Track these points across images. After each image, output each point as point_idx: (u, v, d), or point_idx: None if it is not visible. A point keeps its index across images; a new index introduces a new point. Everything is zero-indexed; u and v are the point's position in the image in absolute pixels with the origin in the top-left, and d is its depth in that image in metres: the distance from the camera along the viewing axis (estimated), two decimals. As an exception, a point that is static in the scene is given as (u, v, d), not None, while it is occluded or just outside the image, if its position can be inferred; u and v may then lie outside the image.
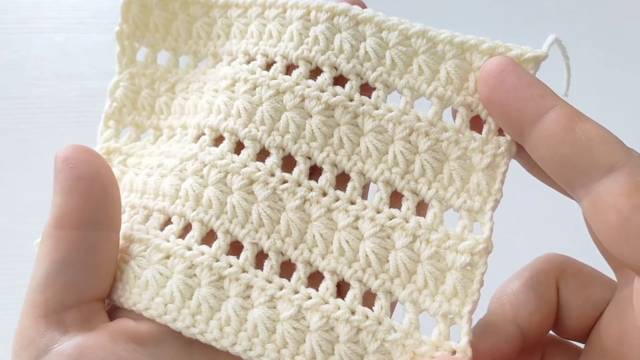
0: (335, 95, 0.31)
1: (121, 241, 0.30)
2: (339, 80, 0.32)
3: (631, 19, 0.74)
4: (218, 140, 0.32)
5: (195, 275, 0.30)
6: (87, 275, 0.28)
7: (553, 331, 0.32)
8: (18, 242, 0.57)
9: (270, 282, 0.30)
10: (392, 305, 0.30)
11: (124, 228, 0.31)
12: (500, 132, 0.30)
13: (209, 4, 0.35)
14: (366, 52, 0.31)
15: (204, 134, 0.32)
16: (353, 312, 0.29)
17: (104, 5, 0.73)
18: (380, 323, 0.29)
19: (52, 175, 0.30)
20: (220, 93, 0.32)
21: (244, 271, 0.30)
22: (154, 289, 0.29)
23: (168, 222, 0.32)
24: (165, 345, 0.28)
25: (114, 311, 0.30)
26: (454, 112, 0.31)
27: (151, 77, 0.36)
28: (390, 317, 0.29)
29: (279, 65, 0.32)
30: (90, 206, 0.28)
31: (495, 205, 0.30)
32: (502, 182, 0.30)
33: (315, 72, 0.32)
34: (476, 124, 0.30)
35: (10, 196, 0.61)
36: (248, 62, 0.33)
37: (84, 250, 0.28)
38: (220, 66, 0.34)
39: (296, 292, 0.29)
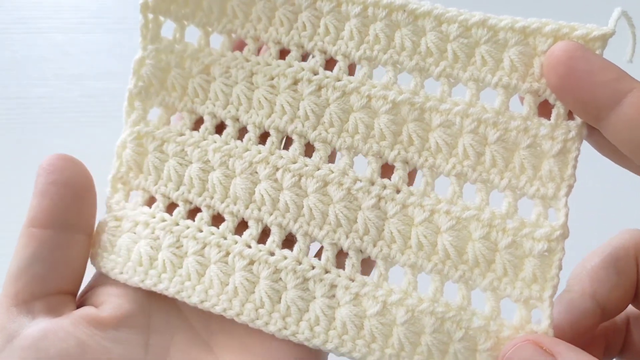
0: (400, 93, 0.31)
1: (191, 242, 0.32)
2: (403, 77, 0.32)
3: None
4: (287, 142, 0.33)
5: (280, 279, 0.31)
6: (54, 270, 0.30)
7: (633, 305, 0.32)
8: (18, 243, 0.57)
9: (353, 280, 0.31)
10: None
11: (187, 226, 0.33)
12: (570, 115, 0.29)
13: None
14: (427, 47, 0.31)
15: (269, 135, 0.33)
16: (436, 304, 0.30)
17: (105, 5, 0.73)
18: (463, 312, 0.30)
19: None
20: (282, 92, 0.33)
21: (326, 272, 0.31)
22: (243, 295, 0.31)
23: (241, 225, 0.33)
24: (124, 330, 0.30)
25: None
26: (521, 99, 0.30)
27: (180, 55, 0.34)
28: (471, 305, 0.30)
29: (342, 65, 0.32)
30: (60, 209, 0.31)
31: (569, 191, 0.29)
32: (575, 167, 0.29)
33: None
34: (544, 109, 0.30)
35: (10, 196, 0.61)
36: (304, 57, 0.33)
37: (51, 248, 0.30)
38: (267, 56, 0.34)
39: (379, 289, 0.31)
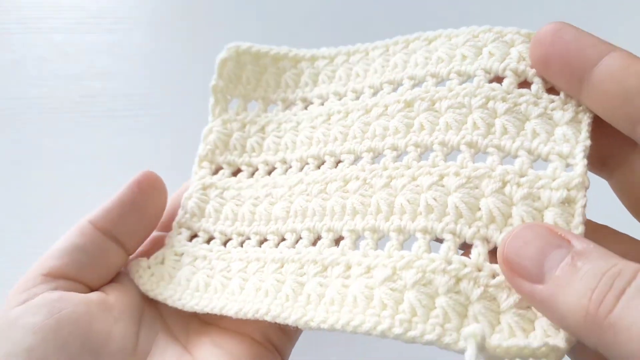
0: (411, 91, 0.34)
1: (237, 263, 0.36)
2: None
3: None
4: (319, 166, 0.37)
5: (304, 273, 0.33)
6: (90, 265, 0.34)
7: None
8: (19, 242, 0.57)
9: (367, 257, 0.31)
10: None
11: (247, 252, 0.36)
12: None
13: (297, 58, 0.41)
14: (438, 57, 0.35)
15: (307, 164, 0.37)
16: (449, 263, 0.28)
17: (104, 5, 0.73)
18: (480, 270, 0.28)
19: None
20: (318, 127, 0.38)
21: (343, 253, 0.32)
22: (272, 295, 0.33)
23: (281, 240, 0.36)
24: (124, 317, 0.34)
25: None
26: (529, 84, 0.31)
27: (242, 122, 0.41)
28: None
29: (368, 93, 0.37)
30: (121, 226, 0.35)
31: (586, 152, 0.28)
32: (589, 132, 0.29)
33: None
34: (552, 93, 0.30)
35: (10, 196, 0.61)
36: (340, 99, 0.39)
37: (98, 248, 0.35)
38: (312, 107, 0.39)
39: (390, 257, 0.30)
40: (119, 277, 0.37)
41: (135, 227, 0.36)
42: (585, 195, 0.28)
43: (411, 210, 0.30)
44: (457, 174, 0.30)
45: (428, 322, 0.27)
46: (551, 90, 0.31)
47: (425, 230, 0.30)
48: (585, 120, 0.29)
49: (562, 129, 0.29)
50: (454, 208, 0.29)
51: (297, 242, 0.35)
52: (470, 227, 0.29)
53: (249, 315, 0.32)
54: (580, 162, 0.28)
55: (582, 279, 0.22)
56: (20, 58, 0.70)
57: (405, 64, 0.36)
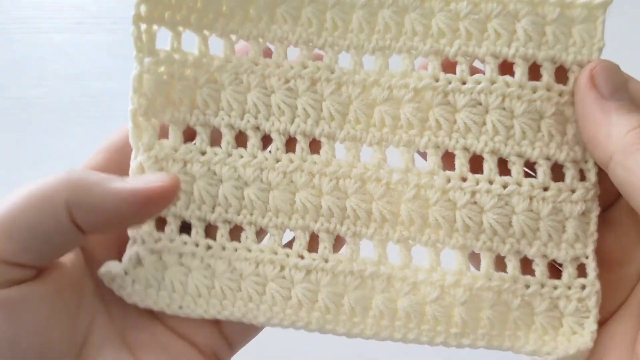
0: (421, 79, 0.32)
1: (244, 263, 0.32)
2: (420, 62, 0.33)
3: None
4: (312, 144, 0.33)
5: (339, 283, 0.32)
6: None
7: None
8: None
9: (407, 269, 0.32)
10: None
11: (235, 249, 0.33)
12: None
13: None
14: (439, 28, 0.32)
15: (297, 141, 0.32)
16: (490, 279, 0.32)
17: (104, 5, 0.73)
18: (516, 282, 0.32)
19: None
20: (301, 94, 0.32)
21: (380, 266, 0.32)
22: (308, 305, 0.32)
23: (292, 240, 0.33)
24: (67, 307, 0.29)
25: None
26: (537, 68, 0.32)
27: (182, 65, 0.32)
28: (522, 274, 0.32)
29: (356, 59, 0.32)
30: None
31: None
32: None
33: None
34: (560, 74, 0.32)
35: (10, 196, 0.61)
36: (309, 50, 0.32)
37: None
38: (277, 57, 0.32)
39: (434, 274, 0.32)
40: None
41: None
42: (598, 205, 0.32)
43: (448, 227, 0.32)
44: (488, 192, 0.31)
45: (478, 332, 0.31)
46: (559, 70, 0.32)
47: (464, 247, 0.32)
48: None
49: (573, 128, 0.32)
50: (489, 227, 0.31)
51: (309, 243, 0.33)
52: (504, 244, 0.32)
53: (285, 325, 0.32)
54: (592, 169, 0.32)
55: (637, 115, 0.29)
56: (20, 58, 0.70)
57: (400, 28, 0.32)
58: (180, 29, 0.32)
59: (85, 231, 0.29)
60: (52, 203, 0.28)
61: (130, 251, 0.32)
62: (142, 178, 0.31)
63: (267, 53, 0.33)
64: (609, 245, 0.32)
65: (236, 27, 0.32)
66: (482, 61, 0.32)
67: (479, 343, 0.31)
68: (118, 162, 0.32)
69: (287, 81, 0.32)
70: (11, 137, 0.66)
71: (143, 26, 0.32)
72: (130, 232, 0.32)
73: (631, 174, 0.28)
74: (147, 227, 0.32)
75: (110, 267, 0.31)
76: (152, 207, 0.30)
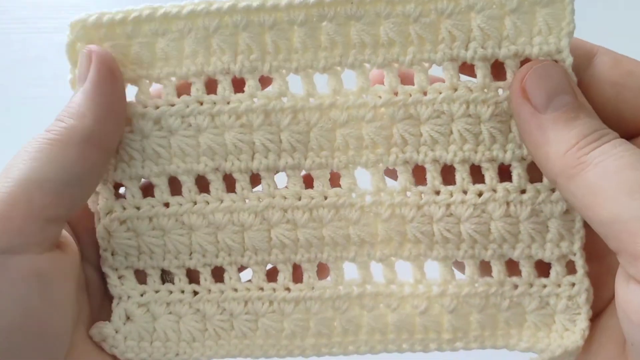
0: (379, 96, 0.30)
1: (232, 303, 0.32)
2: (375, 74, 0.31)
3: None
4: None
5: (329, 309, 0.32)
6: (81, 199, 0.30)
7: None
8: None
9: (392, 285, 0.32)
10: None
11: (221, 290, 0.33)
12: None
13: (168, 17, 0.30)
14: (389, 37, 0.29)
15: (263, 178, 0.32)
16: (476, 285, 0.32)
17: (104, 5, 0.72)
18: (502, 285, 0.32)
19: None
20: (256, 129, 0.31)
21: (365, 287, 0.33)
22: (301, 335, 0.32)
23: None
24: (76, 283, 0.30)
25: None
26: (501, 64, 0.30)
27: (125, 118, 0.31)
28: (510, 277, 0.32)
29: (307, 81, 0.30)
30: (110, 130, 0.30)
31: None
32: None
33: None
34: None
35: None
36: (253, 78, 0.31)
37: (91, 172, 0.30)
38: (222, 91, 0.31)
39: (420, 285, 0.32)
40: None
41: (122, 126, 0.31)
42: None
43: (427, 241, 0.31)
44: (463, 202, 0.31)
45: (470, 335, 0.32)
46: (526, 62, 0.29)
47: (446, 258, 0.32)
48: None
49: None
50: (468, 237, 0.31)
51: (293, 274, 0.33)
52: (487, 250, 0.31)
53: (282, 355, 0.32)
54: None
55: (578, 125, 0.27)
56: (20, 58, 0.70)
57: (347, 42, 0.30)
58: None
59: (109, 151, 0.30)
60: (79, 145, 0.28)
61: (117, 309, 0.32)
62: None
63: (211, 87, 0.31)
64: (597, 238, 0.30)
65: (173, 68, 0.31)
66: (440, 66, 0.30)
67: (472, 345, 0.32)
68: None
69: (239, 117, 0.31)
70: (11, 137, 0.66)
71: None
72: (113, 290, 0.32)
73: (575, 199, 0.26)
74: (129, 283, 0.32)
75: (101, 328, 0.31)
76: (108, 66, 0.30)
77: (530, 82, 0.28)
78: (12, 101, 0.67)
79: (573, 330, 0.31)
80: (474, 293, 0.31)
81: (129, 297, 0.32)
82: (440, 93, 0.30)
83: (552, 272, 0.31)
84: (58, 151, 0.28)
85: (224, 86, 0.31)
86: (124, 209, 0.32)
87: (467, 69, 0.30)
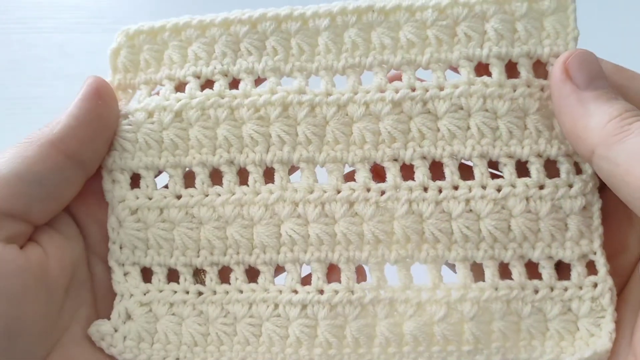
0: (397, 90, 0.31)
1: (236, 306, 0.31)
2: (392, 75, 0.32)
3: None
4: (291, 171, 0.32)
5: (339, 314, 0.31)
6: (43, 200, 0.30)
7: None
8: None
9: (409, 290, 0.31)
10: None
11: (225, 291, 0.32)
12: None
13: (203, 25, 0.32)
14: (408, 39, 0.31)
15: (274, 170, 0.31)
16: (497, 289, 0.30)
17: (104, 5, 0.73)
18: (524, 288, 0.31)
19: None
20: (273, 122, 0.31)
21: (379, 288, 0.31)
22: (308, 343, 0.31)
23: (278, 269, 0.32)
24: (58, 282, 0.30)
25: None
26: (514, 65, 0.31)
27: (148, 111, 0.32)
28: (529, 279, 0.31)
29: (327, 79, 0.31)
30: (88, 144, 0.31)
31: None
32: None
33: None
34: (539, 68, 0.31)
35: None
36: (279, 77, 0.32)
37: (57, 177, 0.30)
38: (244, 87, 0.32)
39: (437, 290, 0.31)
40: (61, 218, 0.32)
41: (100, 145, 0.31)
42: (599, 198, 0.31)
43: (446, 240, 0.31)
44: (483, 198, 0.30)
45: (491, 346, 0.30)
46: (538, 65, 0.31)
47: (465, 259, 0.31)
48: None
49: None
50: (488, 234, 0.30)
51: (301, 274, 0.32)
52: (507, 250, 0.31)
53: None
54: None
55: (619, 102, 0.29)
56: (20, 58, 0.70)
57: (368, 45, 0.31)
58: (151, 85, 0.33)
59: (76, 159, 0.30)
60: (40, 145, 0.29)
61: (118, 307, 0.32)
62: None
63: (234, 86, 0.32)
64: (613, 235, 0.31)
65: (200, 67, 0.32)
66: (457, 66, 0.31)
67: (494, 358, 0.30)
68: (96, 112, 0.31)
69: (257, 110, 0.31)
70: (11, 137, 0.66)
71: (120, 93, 0.33)
72: (117, 286, 0.32)
73: (615, 165, 0.27)
74: (134, 281, 0.32)
75: (99, 326, 0.31)
76: (101, 94, 0.31)
77: (572, 63, 0.29)
78: (12, 101, 0.68)
79: (599, 334, 0.29)
80: (495, 297, 0.30)
81: (131, 295, 0.32)
82: (457, 87, 0.31)
83: (573, 273, 0.30)
84: (20, 148, 0.30)
85: (246, 83, 0.32)
86: (137, 197, 0.32)
87: (481, 71, 0.31)
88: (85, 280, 0.32)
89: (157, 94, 0.33)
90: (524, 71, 0.31)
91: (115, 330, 0.31)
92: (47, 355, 0.29)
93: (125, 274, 0.32)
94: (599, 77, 0.29)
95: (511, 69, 0.31)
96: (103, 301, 0.32)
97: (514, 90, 0.30)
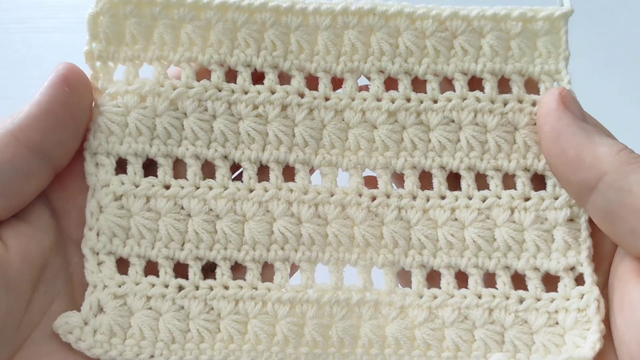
0: (393, 101, 0.32)
1: (222, 302, 0.31)
2: (389, 82, 0.32)
3: None
4: (285, 171, 0.32)
5: (326, 314, 0.31)
6: (4, 195, 0.28)
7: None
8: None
9: (394, 294, 0.31)
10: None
11: (210, 287, 0.31)
12: None
13: (199, 6, 0.31)
14: (407, 47, 0.32)
15: (271, 169, 0.31)
16: (480, 297, 0.31)
17: (104, 5, 0.73)
18: (507, 298, 0.31)
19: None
20: (271, 121, 0.31)
21: (365, 291, 0.31)
22: (295, 341, 0.30)
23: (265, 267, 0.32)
24: (22, 278, 0.28)
25: None
26: (506, 81, 0.32)
27: (138, 94, 0.31)
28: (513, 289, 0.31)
29: (325, 82, 0.32)
30: (51, 135, 0.29)
31: None
32: None
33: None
34: (530, 85, 0.32)
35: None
36: (280, 77, 0.31)
37: (18, 170, 0.28)
38: (243, 82, 0.31)
39: (421, 296, 0.31)
40: (31, 207, 0.29)
41: (67, 136, 0.29)
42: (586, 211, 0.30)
43: (431, 246, 0.31)
44: (467, 207, 0.31)
45: (472, 354, 0.30)
46: (529, 83, 0.32)
47: (449, 266, 0.31)
48: None
49: None
50: (472, 242, 0.31)
51: (291, 273, 0.32)
52: (491, 259, 0.31)
53: None
54: None
55: (614, 139, 0.29)
56: (20, 58, 0.70)
57: (367, 49, 0.31)
58: (137, 62, 0.32)
59: (39, 150, 0.28)
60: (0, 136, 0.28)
61: (90, 298, 0.30)
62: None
63: (229, 76, 0.32)
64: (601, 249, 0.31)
65: (195, 54, 0.31)
66: (452, 78, 0.32)
67: None
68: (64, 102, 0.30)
69: (256, 107, 0.31)
70: (11, 137, 0.66)
71: (98, 64, 0.32)
72: (89, 276, 0.30)
73: (629, 194, 0.26)
74: (108, 271, 0.30)
75: (68, 318, 0.29)
76: (70, 82, 0.30)
77: (568, 96, 0.30)
78: (12, 101, 0.67)
79: (584, 346, 0.29)
80: (476, 305, 0.30)
81: (105, 286, 0.30)
82: (450, 101, 0.31)
83: (560, 285, 0.30)
84: None
85: (244, 77, 0.31)
86: (122, 183, 0.31)
87: (473, 85, 0.32)
88: (59, 271, 0.30)
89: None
90: (516, 87, 0.32)
91: (85, 324, 0.29)
92: (14, 353, 0.28)
93: (100, 264, 0.30)
94: (586, 115, 0.30)
95: (503, 84, 0.32)
96: (82, 292, 0.30)
97: (505, 105, 0.31)
